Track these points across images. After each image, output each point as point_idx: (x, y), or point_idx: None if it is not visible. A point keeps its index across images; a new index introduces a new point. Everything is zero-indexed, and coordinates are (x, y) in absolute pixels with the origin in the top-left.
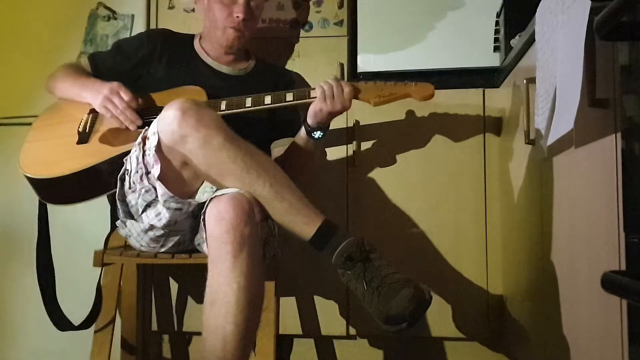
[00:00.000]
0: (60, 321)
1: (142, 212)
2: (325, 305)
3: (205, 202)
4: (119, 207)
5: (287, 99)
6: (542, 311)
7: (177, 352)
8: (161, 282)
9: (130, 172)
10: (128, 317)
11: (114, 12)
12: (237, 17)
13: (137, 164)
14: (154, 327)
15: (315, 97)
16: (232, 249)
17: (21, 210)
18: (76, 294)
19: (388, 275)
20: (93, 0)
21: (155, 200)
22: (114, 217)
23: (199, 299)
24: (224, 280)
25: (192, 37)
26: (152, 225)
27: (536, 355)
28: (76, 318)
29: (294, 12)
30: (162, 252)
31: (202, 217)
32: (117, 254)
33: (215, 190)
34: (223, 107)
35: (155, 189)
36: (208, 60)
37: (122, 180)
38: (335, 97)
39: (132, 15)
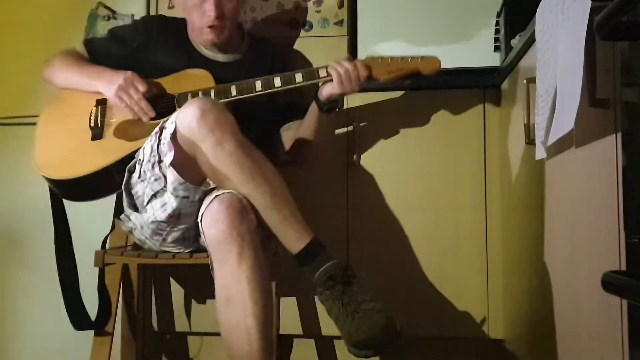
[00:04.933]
0: (81, 320)
1: (148, 202)
2: None
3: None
4: (124, 199)
5: (297, 80)
6: (542, 311)
7: (178, 352)
8: (162, 282)
9: (142, 161)
10: (128, 317)
11: (113, 12)
12: (209, 15)
13: (151, 152)
14: (154, 327)
15: (324, 77)
16: (234, 247)
17: (21, 209)
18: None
19: (364, 301)
20: (93, 0)
21: (163, 189)
22: (117, 212)
23: (200, 299)
24: (233, 277)
25: (185, 23)
26: (154, 219)
27: (536, 355)
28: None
29: (294, 12)
30: (165, 248)
31: (199, 220)
32: (118, 253)
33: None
34: (234, 92)
35: (164, 177)
36: (203, 51)
37: (131, 171)
38: (351, 80)
39: (132, 15)
